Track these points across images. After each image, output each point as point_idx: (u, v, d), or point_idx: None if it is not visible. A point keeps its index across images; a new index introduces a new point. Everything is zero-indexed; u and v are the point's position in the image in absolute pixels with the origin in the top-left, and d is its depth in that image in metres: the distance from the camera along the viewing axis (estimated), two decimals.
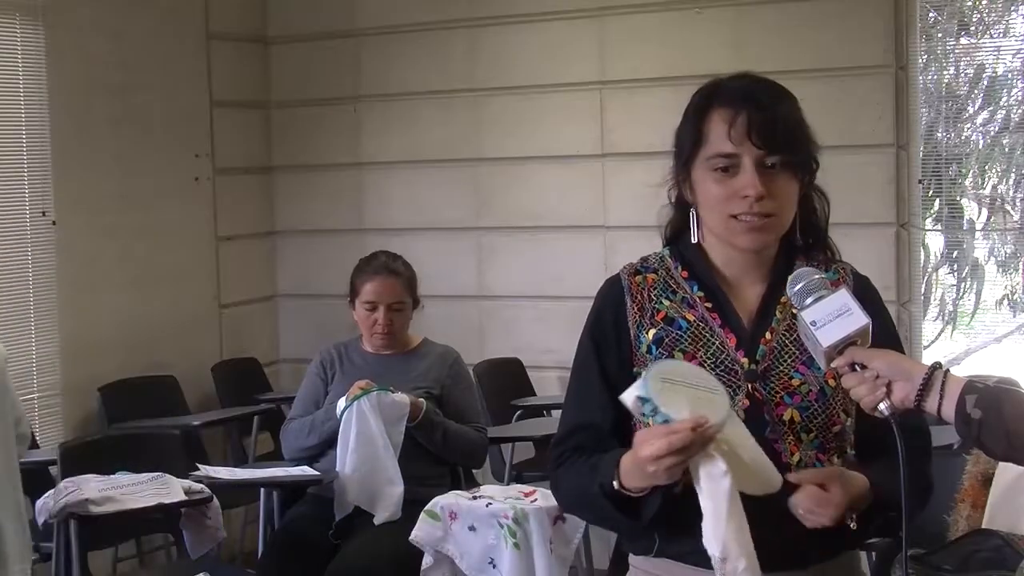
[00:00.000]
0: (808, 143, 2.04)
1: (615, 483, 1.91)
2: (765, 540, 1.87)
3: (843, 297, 1.90)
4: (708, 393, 1.88)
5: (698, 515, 1.87)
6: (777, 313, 2.05)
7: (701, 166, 2.02)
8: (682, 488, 1.90)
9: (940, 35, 5.42)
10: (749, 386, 2.00)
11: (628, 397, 1.86)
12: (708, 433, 1.81)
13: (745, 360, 2.01)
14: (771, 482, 1.89)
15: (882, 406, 1.85)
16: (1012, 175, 5.58)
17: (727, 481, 1.82)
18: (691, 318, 2.05)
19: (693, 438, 1.79)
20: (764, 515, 1.88)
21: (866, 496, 1.96)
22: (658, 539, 2.01)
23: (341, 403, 4.07)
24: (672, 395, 1.83)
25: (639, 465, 1.85)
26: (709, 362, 2.01)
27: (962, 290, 5.59)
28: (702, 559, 1.90)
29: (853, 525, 1.96)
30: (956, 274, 5.61)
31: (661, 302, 2.07)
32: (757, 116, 1.97)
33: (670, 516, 1.93)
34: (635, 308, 2.07)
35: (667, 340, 2.03)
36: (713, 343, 2.02)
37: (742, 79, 2.05)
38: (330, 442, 4.14)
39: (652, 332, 2.04)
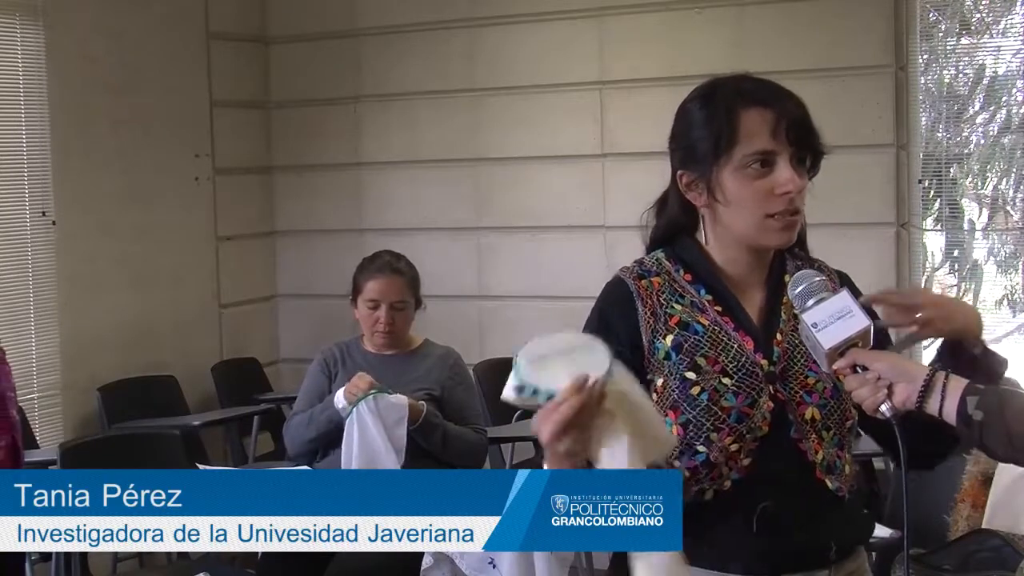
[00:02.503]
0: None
1: None
2: (788, 542, 1.90)
3: (844, 299, 1.90)
4: (585, 353, 1.76)
5: (714, 521, 1.92)
6: (782, 314, 2.04)
7: (733, 166, 1.97)
8: (713, 495, 1.94)
9: (940, 35, 5.43)
10: (771, 388, 1.98)
11: (508, 394, 1.76)
12: (595, 389, 1.71)
13: (764, 362, 2.00)
14: (668, 438, 1.82)
15: (884, 408, 1.85)
16: (1012, 175, 5.58)
17: (624, 451, 1.73)
18: (705, 322, 2.01)
19: (582, 399, 1.70)
20: (787, 518, 1.91)
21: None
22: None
23: (339, 396, 4.07)
24: (547, 370, 1.73)
25: (550, 452, 1.77)
26: (731, 366, 1.98)
27: (962, 291, 5.59)
28: (716, 563, 1.93)
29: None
30: (956, 274, 5.61)
31: (672, 306, 2.02)
32: (791, 116, 1.97)
33: (688, 526, 1.92)
34: (647, 314, 2.02)
35: (687, 346, 1.99)
36: (732, 347, 1.99)
37: (745, 79, 2.03)
38: (331, 436, 4.13)
39: (670, 338, 2.00)
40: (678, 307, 2.02)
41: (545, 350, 1.76)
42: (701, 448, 1.96)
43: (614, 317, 2.04)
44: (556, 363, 1.74)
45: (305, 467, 4.23)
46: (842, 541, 2.00)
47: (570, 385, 1.70)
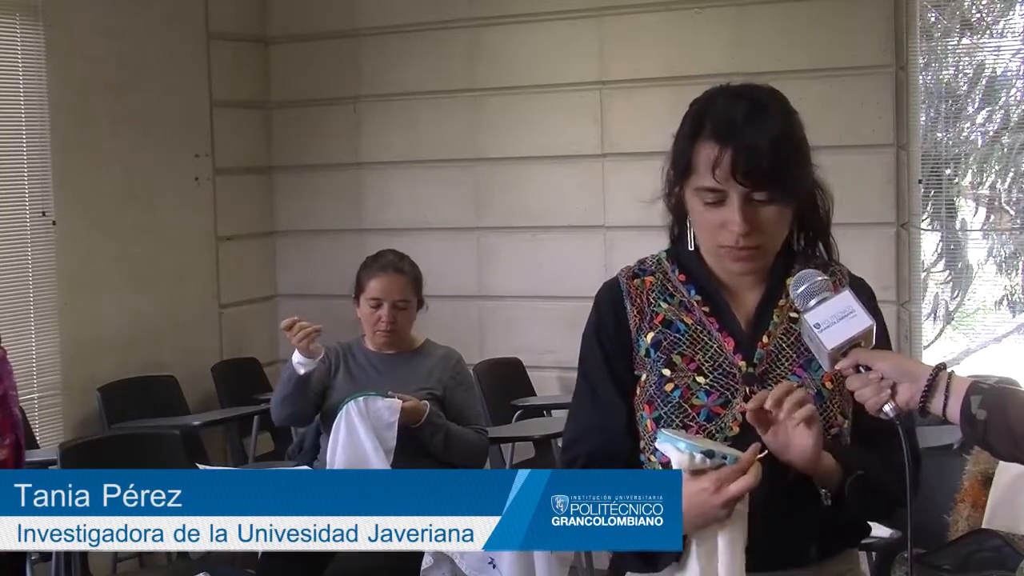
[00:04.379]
0: (801, 169, 2.00)
1: None
2: (765, 538, 1.89)
3: (847, 299, 1.90)
4: (721, 444, 1.93)
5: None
6: (774, 317, 2.05)
7: (690, 191, 2.01)
8: None
9: (940, 35, 5.43)
10: (747, 389, 1.99)
11: (684, 461, 1.85)
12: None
13: (743, 363, 2.01)
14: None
15: (887, 408, 1.86)
16: (1011, 175, 5.58)
17: (742, 539, 1.85)
18: (689, 321, 2.05)
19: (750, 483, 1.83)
20: (765, 513, 1.89)
21: (836, 472, 1.94)
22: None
23: (295, 354, 4.08)
24: (713, 444, 1.88)
25: (712, 505, 1.83)
26: (707, 365, 2.01)
27: (959, 290, 5.60)
28: None
29: (828, 502, 1.94)
30: (954, 274, 5.60)
31: (659, 305, 2.07)
32: (743, 154, 1.92)
33: None
34: (635, 312, 2.07)
35: (665, 343, 2.03)
36: (711, 346, 2.03)
37: (735, 99, 1.99)
38: (300, 395, 4.11)
39: (651, 335, 2.05)
40: (665, 305, 2.07)
41: (685, 437, 1.91)
42: None
43: (607, 316, 2.10)
44: (710, 443, 1.90)
45: (305, 467, 4.24)
46: (824, 542, 1.99)
47: (750, 452, 1.86)
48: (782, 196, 1.96)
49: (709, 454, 1.83)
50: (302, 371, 4.08)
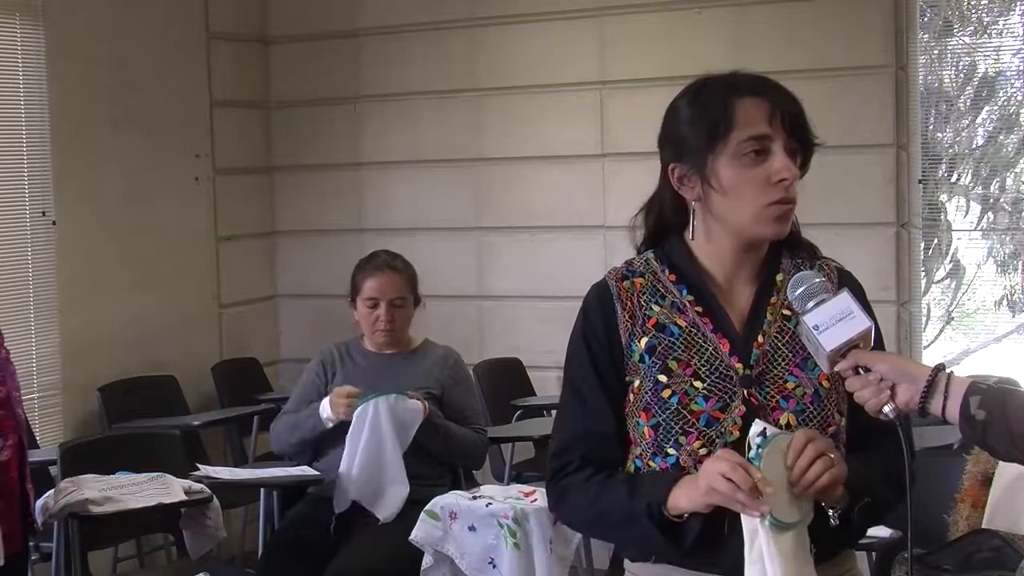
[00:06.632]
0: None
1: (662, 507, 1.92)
2: None
3: (845, 300, 1.89)
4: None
5: (688, 522, 1.92)
6: (768, 315, 2.04)
7: (728, 153, 1.98)
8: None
9: (940, 35, 5.43)
10: (745, 392, 1.98)
11: (754, 429, 1.88)
12: (757, 509, 1.84)
13: (739, 365, 1.99)
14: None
15: (887, 409, 1.85)
16: (1011, 174, 5.58)
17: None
18: (682, 324, 2.02)
19: (742, 497, 1.82)
20: None
21: (840, 493, 1.94)
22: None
23: (324, 405, 4.08)
24: (772, 460, 1.86)
25: (712, 474, 1.85)
26: (704, 369, 1.99)
27: (958, 290, 5.60)
28: (700, 563, 1.93)
29: (835, 521, 1.94)
30: (954, 274, 5.61)
31: (651, 308, 2.04)
32: (785, 103, 2.00)
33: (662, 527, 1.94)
34: (626, 316, 2.04)
35: (660, 348, 2.01)
36: (707, 349, 2.00)
37: (743, 73, 2.05)
38: (317, 442, 4.15)
39: (644, 340, 2.01)
40: (657, 308, 2.04)
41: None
42: (671, 451, 1.97)
43: (596, 320, 2.06)
44: (781, 467, 1.88)
45: (305, 467, 4.24)
46: (822, 544, 1.98)
47: (756, 482, 1.83)
48: (805, 160, 2.03)
49: (761, 441, 1.86)
50: (330, 425, 4.10)
